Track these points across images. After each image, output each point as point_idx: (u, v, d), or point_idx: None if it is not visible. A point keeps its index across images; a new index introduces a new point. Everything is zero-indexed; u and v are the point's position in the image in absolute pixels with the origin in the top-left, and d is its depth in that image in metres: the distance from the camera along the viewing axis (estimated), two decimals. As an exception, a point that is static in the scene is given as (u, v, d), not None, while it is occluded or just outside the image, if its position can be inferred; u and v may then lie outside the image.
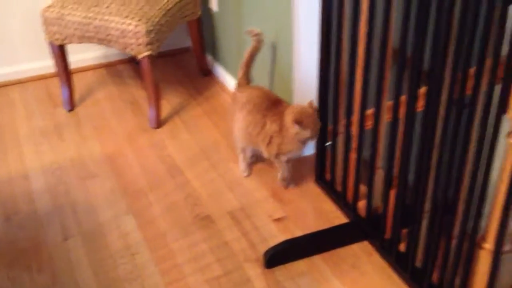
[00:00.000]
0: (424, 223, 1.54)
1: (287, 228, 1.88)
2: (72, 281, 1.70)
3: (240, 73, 2.08)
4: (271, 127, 1.89)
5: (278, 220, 1.92)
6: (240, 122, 1.98)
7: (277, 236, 1.84)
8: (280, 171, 2.02)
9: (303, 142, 1.87)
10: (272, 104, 1.93)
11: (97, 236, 1.87)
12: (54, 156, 2.27)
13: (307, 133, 1.82)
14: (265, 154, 1.98)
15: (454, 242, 1.44)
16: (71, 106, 2.58)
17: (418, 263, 1.59)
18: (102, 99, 2.66)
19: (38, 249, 1.83)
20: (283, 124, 1.86)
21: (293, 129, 1.81)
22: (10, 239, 1.88)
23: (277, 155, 1.94)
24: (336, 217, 1.91)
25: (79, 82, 2.76)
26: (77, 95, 2.65)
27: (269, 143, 1.92)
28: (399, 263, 1.67)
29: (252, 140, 1.98)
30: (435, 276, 1.54)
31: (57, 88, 2.64)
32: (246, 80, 2.08)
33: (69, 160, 2.25)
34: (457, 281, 1.46)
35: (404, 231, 1.65)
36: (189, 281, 1.70)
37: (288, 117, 1.83)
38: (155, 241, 1.84)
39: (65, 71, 2.53)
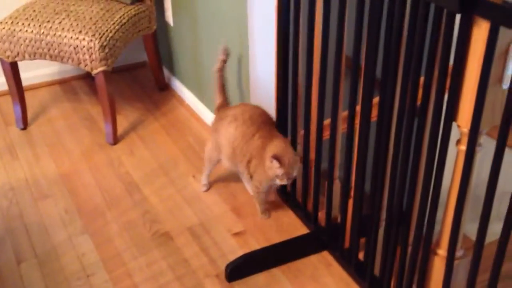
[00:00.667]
0: (381, 232, 1.55)
1: (246, 242, 1.86)
2: (25, 306, 1.65)
3: (220, 97, 2.01)
4: (257, 141, 1.81)
5: (237, 234, 1.90)
6: (227, 135, 1.88)
7: (236, 251, 1.82)
8: (257, 204, 1.95)
9: (273, 179, 1.78)
10: (267, 123, 1.87)
11: (51, 258, 1.81)
12: (7, 177, 2.20)
13: (280, 171, 1.72)
14: (245, 176, 1.92)
15: (410, 250, 1.45)
16: (24, 124, 2.51)
17: (377, 271, 1.60)
18: (57, 116, 2.60)
19: (-11, 274, 1.76)
20: (266, 148, 1.78)
21: (268, 161, 1.74)
22: (-41, 264, 1.80)
23: (253, 179, 1.87)
24: (296, 229, 1.91)
25: (32, 100, 2.69)
26: (30, 113, 2.58)
27: (249, 162, 1.85)
28: (358, 272, 1.67)
29: (235, 156, 1.88)
30: (393, 284, 1.55)
31: (9, 106, 2.57)
32: (227, 102, 2.03)
33: (22, 180, 2.18)
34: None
35: (363, 240, 1.66)
36: (147, 300, 1.66)
37: (271, 149, 1.76)
38: (112, 261, 1.80)
39: (17, 89, 2.46)
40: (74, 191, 2.11)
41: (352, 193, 1.64)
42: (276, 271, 1.74)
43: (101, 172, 2.22)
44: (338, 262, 1.76)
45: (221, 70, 2.01)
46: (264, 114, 1.90)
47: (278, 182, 1.77)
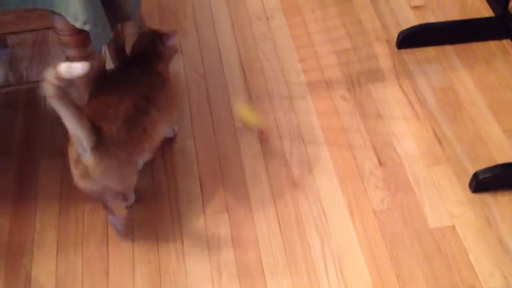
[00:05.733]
0: None
1: (424, 16, 1.83)
2: (211, 32, 1.84)
3: None
4: None
5: (417, 7, 1.86)
6: None
7: (412, 22, 1.81)
8: None
9: None
10: None
11: (238, -3, 1.96)
12: None
13: None
14: None
15: None
16: None
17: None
18: None
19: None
20: None
21: None
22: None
23: None
24: (481, 12, 1.81)
25: None
26: None
27: None
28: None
29: None
30: None
31: None
32: None
33: None
34: None
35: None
36: (318, 49, 1.77)
37: None
38: (291, 9, 1.89)
39: None
40: None
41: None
42: (448, 48, 1.73)
43: None
44: (518, 51, 1.68)
45: None
46: None
47: None
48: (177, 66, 1.74)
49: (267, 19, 1.87)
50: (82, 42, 1.17)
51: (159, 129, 1.31)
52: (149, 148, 1.30)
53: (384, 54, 1.73)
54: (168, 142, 1.54)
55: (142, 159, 1.34)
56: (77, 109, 1.08)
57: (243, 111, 1.52)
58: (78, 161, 1.20)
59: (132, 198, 1.41)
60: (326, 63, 1.73)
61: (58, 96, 1.02)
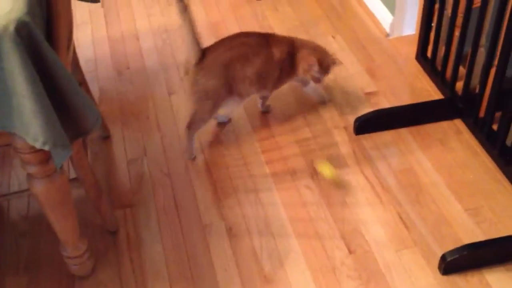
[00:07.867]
0: (520, 103, 1.51)
1: (378, 102, 1.91)
2: (173, 131, 1.87)
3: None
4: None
5: (370, 94, 1.95)
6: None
7: (366, 108, 1.88)
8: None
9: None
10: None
11: (198, 93, 2.01)
12: (163, 20, 2.39)
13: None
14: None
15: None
16: (179, -26, 2.65)
17: (509, 142, 1.58)
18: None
19: (145, 100, 2.01)
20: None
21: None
22: (121, 90, 2.07)
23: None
24: (430, 95, 1.91)
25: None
26: (185, -36, 2.71)
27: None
28: (489, 140, 1.66)
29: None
30: (523, 155, 1.54)
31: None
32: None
33: (175, 24, 2.36)
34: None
35: (498, 114, 1.63)
36: (279, 139, 1.81)
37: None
38: (250, 102, 1.95)
39: None
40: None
41: (496, 62, 1.59)
42: (403, 131, 1.79)
43: (246, 23, 2.33)
44: (470, 130, 1.75)
45: None
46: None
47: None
48: (142, 167, 1.75)
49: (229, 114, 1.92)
50: (42, 160, 1.17)
51: (243, 89, 1.69)
52: (226, 100, 1.69)
53: (343, 141, 1.78)
54: (137, 248, 1.52)
55: (223, 105, 1.70)
56: (194, 28, 1.58)
57: (323, 167, 1.67)
58: (187, 71, 1.65)
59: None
60: (288, 153, 1.77)
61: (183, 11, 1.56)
